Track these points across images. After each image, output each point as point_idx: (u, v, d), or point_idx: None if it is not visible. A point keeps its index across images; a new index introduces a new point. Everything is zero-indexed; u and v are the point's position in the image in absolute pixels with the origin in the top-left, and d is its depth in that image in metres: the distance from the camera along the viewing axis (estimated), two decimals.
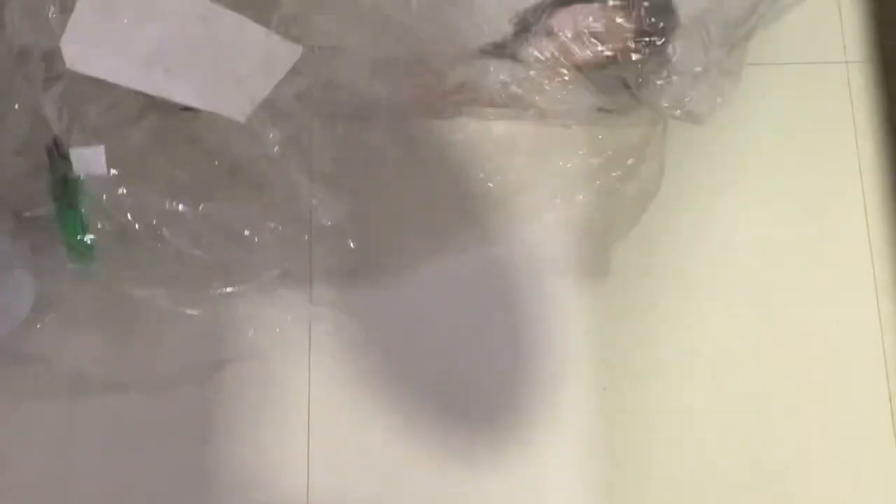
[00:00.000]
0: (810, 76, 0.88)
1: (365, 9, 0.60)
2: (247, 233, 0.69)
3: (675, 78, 0.69)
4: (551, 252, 0.85)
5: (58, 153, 0.82)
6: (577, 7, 0.59)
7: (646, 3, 0.58)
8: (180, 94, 0.58)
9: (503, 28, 0.61)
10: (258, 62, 0.57)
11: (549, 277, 0.85)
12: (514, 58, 0.66)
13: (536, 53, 0.65)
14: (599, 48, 0.64)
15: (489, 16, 0.60)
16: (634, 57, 0.64)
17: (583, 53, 0.65)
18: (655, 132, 0.84)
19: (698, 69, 0.66)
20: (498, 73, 0.68)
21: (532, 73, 0.69)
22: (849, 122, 0.88)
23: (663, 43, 0.63)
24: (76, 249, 0.80)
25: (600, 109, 0.78)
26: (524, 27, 0.61)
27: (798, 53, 0.89)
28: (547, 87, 0.71)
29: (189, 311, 0.74)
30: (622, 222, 0.85)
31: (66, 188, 0.81)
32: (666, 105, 0.74)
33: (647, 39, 0.62)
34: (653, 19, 0.60)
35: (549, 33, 0.62)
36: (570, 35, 0.62)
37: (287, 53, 0.58)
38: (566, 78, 0.68)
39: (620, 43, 0.63)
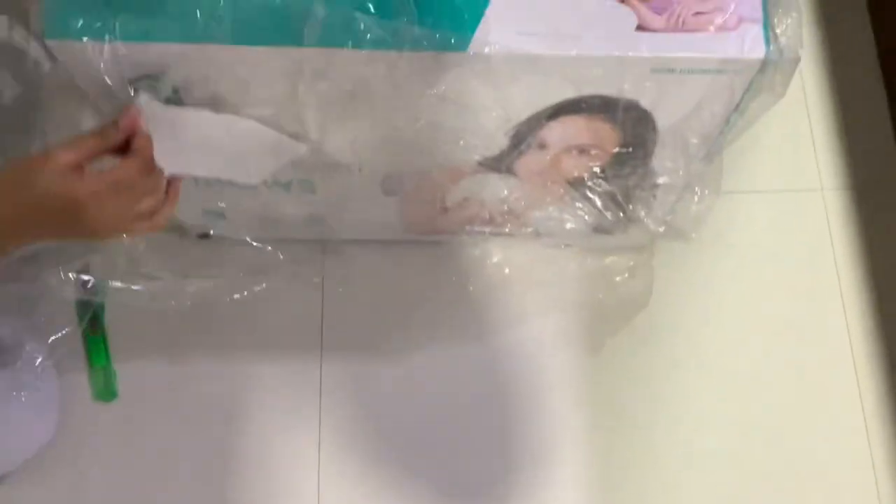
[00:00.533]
0: (789, 203, 0.95)
1: (377, 127, 0.67)
2: None
3: (659, 191, 0.75)
4: (547, 366, 0.88)
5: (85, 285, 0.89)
6: (566, 119, 0.65)
7: (628, 114, 0.64)
8: (200, 170, 0.65)
9: (500, 141, 0.68)
10: (268, 149, 0.65)
11: (545, 394, 0.88)
12: (509, 171, 0.72)
13: (530, 166, 0.71)
14: (587, 160, 0.70)
15: (488, 129, 0.66)
16: (619, 168, 0.70)
17: (572, 165, 0.71)
18: (644, 253, 0.90)
19: (680, 181, 0.72)
20: (496, 186, 0.74)
21: (527, 187, 0.75)
22: (828, 248, 0.94)
23: (645, 155, 0.69)
24: (100, 380, 0.86)
25: (595, 230, 0.84)
26: (519, 140, 0.67)
27: (776, 181, 0.96)
28: (541, 202, 0.77)
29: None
30: (612, 333, 0.89)
31: (92, 316, 0.88)
32: (653, 221, 0.80)
33: (630, 149, 0.68)
34: (634, 130, 0.66)
35: (541, 146, 0.68)
36: (560, 147, 0.69)
37: (292, 147, 0.65)
38: (560, 191, 0.74)
39: (606, 154, 0.69)
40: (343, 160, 0.72)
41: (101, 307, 0.90)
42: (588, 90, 0.62)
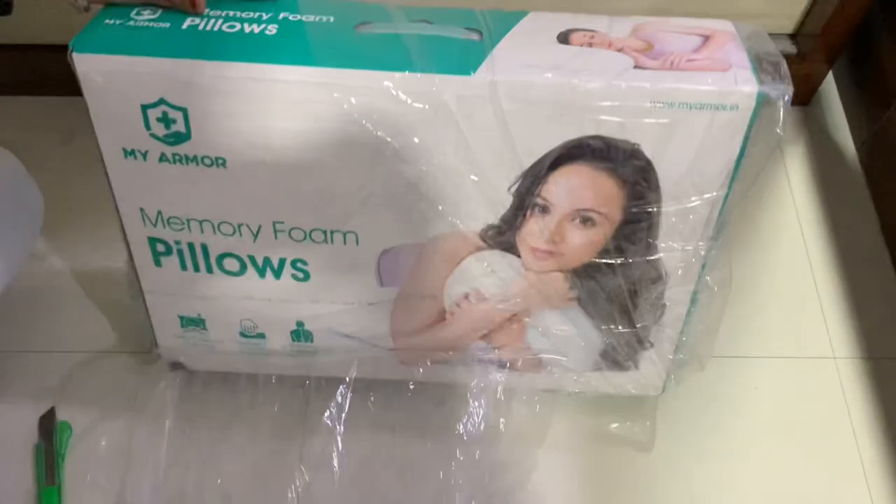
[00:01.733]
0: (800, 370, 0.91)
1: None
2: None
3: (667, 292, 0.72)
4: None
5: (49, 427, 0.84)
6: (568, 168, 0.65)
7: (629, 164, 0.65)
8: None
9: (503, 198, 0.67)
10: None
11: None
12: (512, 248, 0.71)
13: (533, 239, 0.70)
14: (591, 234, 0.69)
15: (495, 184, 0.66)
16: (626, 244, 0.69)
17: (576, 241, 0.69)
18: (647, 420, 0.84)
19: (690, 262, 0.70)
20: (497, 267, 0.72)
21: (531, 277, 0.72)
22: (845, 417, 0.88)
23: (651, 227, 0.68)
24: None
25: (604, 358, 0.79)
26: (521, 199, 0.67)
27: (786, 348, 0.92)
28: (544, 299, 0.74)
29: None
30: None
31: (50, 466, 0.82)
32: (665, 340, 0.75)
33: (634, 216, 0.67)
34: (637, 187, 0.66)
35: (544, 208, 0.68)
36: (563, 210, 0.68)
37: None
38: (564, 287, 0.72)
39: (611, 224, 0.68)
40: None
41: (62, 457, 0.83)
42: (589, 129, 0.63)
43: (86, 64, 0.63)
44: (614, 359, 0.79)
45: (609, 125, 0.63)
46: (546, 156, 0.65)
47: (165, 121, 0.66)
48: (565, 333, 0.77)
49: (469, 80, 0.62)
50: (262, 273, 0.75)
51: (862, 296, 0.96)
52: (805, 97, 1.12)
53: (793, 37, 1.07)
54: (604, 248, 0.70)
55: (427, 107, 0.63)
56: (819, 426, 0.88)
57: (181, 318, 0.80)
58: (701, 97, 0.62)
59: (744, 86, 0.61)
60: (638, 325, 0.75)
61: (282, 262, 0.74)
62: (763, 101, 0.62)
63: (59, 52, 0.64)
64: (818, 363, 0.91)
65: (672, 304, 0.74)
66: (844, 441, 0.86)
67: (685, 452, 0.85)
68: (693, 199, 0.67)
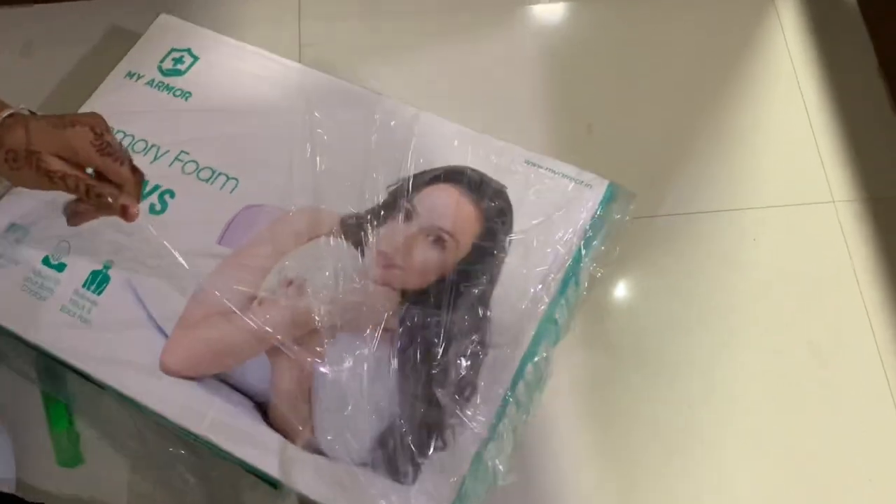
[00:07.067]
0: (800, 217, 0.86)
1: None
2: None
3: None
4: None
5: None
6: (445, 186, 0.69)
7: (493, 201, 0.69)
8: None
9: (380, 192, 0.71)
10: None
11: None
12: (364, 245, 0.70)
13: (386, 242, 0.70)
14: (439, 256, 0.70)
15: (378, 182, 0.70)
16: (465, 278, 0.69)
17: (423, 257, 0.69)
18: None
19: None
20: (339, 261, 0.69)
21: (368, 289, 0.67)
22: (846, 261, 0.85)
23: (493, 267, 0.68)
24: (62, 446, 0.76)
25: (381, 439, 0.66)
26: (395, 198, 0.70)
27: (784, 196, 0.87)
28: (364, 315, 0.67)
29: None
30: None
31: (54, 380, 0.77)
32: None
33: (485, 243, 0.68)
34: (492, 222, 0.69)
35: (408, 216, 0.70)
36: (423, 224, 0.70)
37: None
38: (394, 295, 0.68)
39: (460, 250, 0.70)
40: None
41: (64, 371, 0.78)
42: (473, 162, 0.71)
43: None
44: (393, 449, 0.64)
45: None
46: (431, 170, 0.71)
47: (177, 60, 0.76)
48: (362, 373, 0.67)
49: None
50: None
51: (860, 137, 0.90)
52: None
53: None
54: (441, 277, 0.70)
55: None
56: (821, 272, 0.84)
57: (12, 225, 0.74)
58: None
59: None
60: (438, 394, 0.65)
61: (155, 188, 0.75)
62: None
63: None
64: (817, 209, 0.86)
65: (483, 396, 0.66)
66: (847, 285, 0.83)
67: (686, 314, 0.80)
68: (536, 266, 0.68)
